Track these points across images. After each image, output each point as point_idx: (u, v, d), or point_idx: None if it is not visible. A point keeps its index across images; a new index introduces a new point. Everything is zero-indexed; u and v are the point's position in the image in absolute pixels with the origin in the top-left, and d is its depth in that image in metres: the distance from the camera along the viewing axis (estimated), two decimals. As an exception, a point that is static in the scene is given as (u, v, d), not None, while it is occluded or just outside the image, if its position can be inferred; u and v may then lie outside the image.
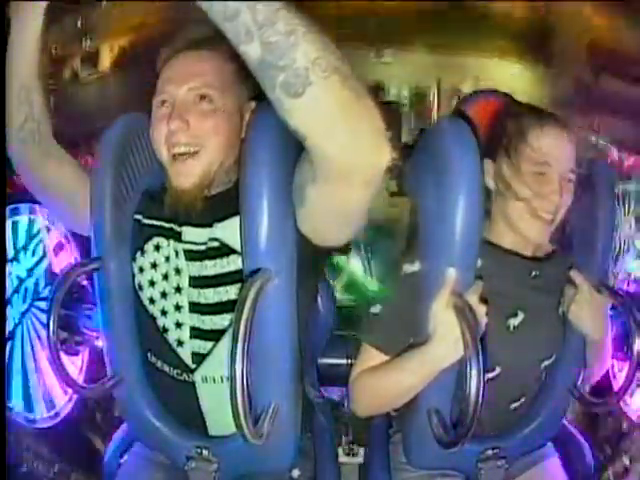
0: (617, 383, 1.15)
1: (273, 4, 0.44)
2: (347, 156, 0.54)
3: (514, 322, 0.79)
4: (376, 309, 0.79)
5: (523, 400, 0.83)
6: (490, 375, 0.78)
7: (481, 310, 0.69)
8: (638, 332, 0.79)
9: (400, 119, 2.15)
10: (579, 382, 0.85)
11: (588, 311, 0.78)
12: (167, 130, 0.71)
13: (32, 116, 0.74)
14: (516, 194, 0.76)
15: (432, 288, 0.70)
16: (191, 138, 0.71)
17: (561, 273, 0.82)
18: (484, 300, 0.70)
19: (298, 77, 0.46)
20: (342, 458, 1.19)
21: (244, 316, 0.60)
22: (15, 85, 0.72)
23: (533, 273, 0.80)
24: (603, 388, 0.88)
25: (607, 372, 1.13)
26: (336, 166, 0.55)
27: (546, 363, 0.82)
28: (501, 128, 0.79)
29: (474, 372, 0.63)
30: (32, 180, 0.80)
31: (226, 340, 0.72)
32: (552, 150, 0.75)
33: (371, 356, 0.79)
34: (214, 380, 0.75)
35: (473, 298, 0.69)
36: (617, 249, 1.18)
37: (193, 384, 0.76)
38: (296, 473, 0.81)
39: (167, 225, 0.77)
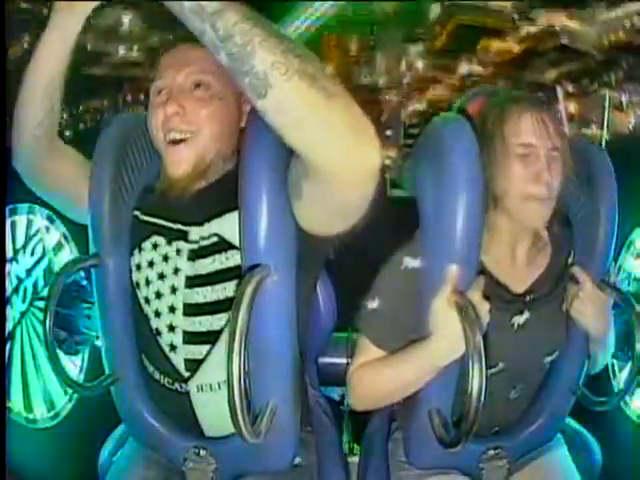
0: (618, 382, 1.15)
1: (230, 19, 0.49)
2: (326, 157, 0.54)
3: (519, 320, 0.79)
4: (374, 304, 0.79)
5: (522, 388, 0.82)
6: (492, 370, 0.77)
7: (484, 307, 0.68)
8: (639, 331, 0.79)
9: (400, 117, 2.15)
10: (581, 379, 0.84)
11: (591, 308, 0.77)
12: (164, 116, 0.71)
13: (52, 113, 0.73)
14: (506, 180, 0.75)
15: (433, 287, 0.70)
16: (187, 124, 0.70)
17: (561, 269, 0.82)
18: (487, 297, 0.69)
19: (259, 80, 0.50)
20: (342, 457, 1.18)
21: (242, 312, 0.59)
22: (43, 80, 0.71)
23: (527, 299, 0.80)
24: (604, 387, 0.87)
25: (608, 372, 1.13)
26: (319, 167, 0.55)
27: (549, 358, 0.82)
28: (482, 118, 0.78)
29: (476, 371, 0.62)
30: (36, 175, 0.78)
31: (222, 343, 0.72)
32: (533, 130, 0.75)
33: (369, 350, 0.78)
34: (211, 387, 0.74)
35: (475, 295, 0.68)
36: (618, 247, 1.17)
37: (187, 394, 0.75)
38: (297, 460, 0.80)
39: (168, 224, 0.76)
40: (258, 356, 0.67)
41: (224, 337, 0.71)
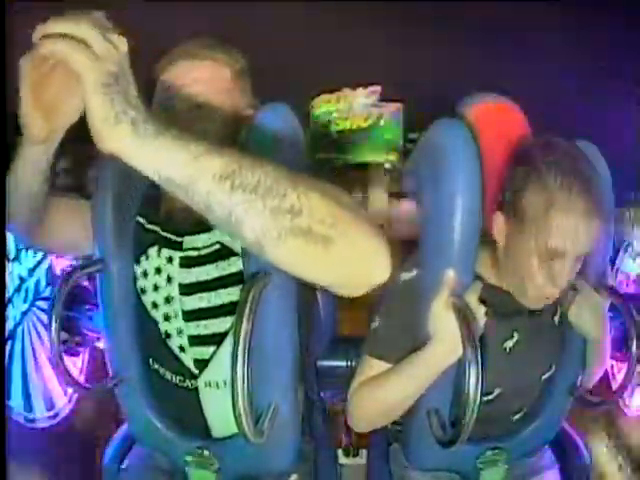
0: (616, 383, 1.15)
1: (202, 189, 0.42)
2: (331, 286, 0.52)
3: (510, 344, 0.79)
4: (375, 324, 0.79)
5: (525, 410, 0.83)
6: (490, 397, 0.78)
7: (480, 310, 0.69)
8: (636, 333, 0.79)
9: (400, 117, 2.16)
10: (578, 384, 0.85)
11: (588, 312, 0.78)
12: None
13: (44, 201, 0.69)
14: (522, 260, 0.72)
15: (431, 290, 0.70)
16: None
17: None
18: (483, 300, 0.70)
19: (253, 247, 0.46)
20: (343, 459, 1.19)
21: (245, 318, 0.60)
22: (27, 194, 0.66)
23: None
24: (602, 388, 0.88)
25: (606, 372, 1.14)
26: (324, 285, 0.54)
27: (546, 376, 0.82)
28: (521, 186, 0.70)
29: (472, 371, 0.63)
30: (36, 238, 0.77)
31: (228, 344, 0.72)
32: (573, 234, 0.67)
33: (372, 367, 0.78)
34: (217, 385, 0.75)
35: (472, 298, 0.69)
36: (616, 249, 1.17)
37: (196, 390, 0.76)
38: (294, 477, 0.81)
39: (163, 234, 0.77)
40: (260, 359, 0.68)
41: (229, 339, 0.72)
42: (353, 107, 2.36)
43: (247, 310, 0.60)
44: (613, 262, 1.15)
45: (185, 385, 0.76)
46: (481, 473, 0.83)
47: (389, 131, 2.30)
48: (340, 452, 1.18)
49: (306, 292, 0.76)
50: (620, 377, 1.14)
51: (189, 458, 0.78)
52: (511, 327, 0.79)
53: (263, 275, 0.65)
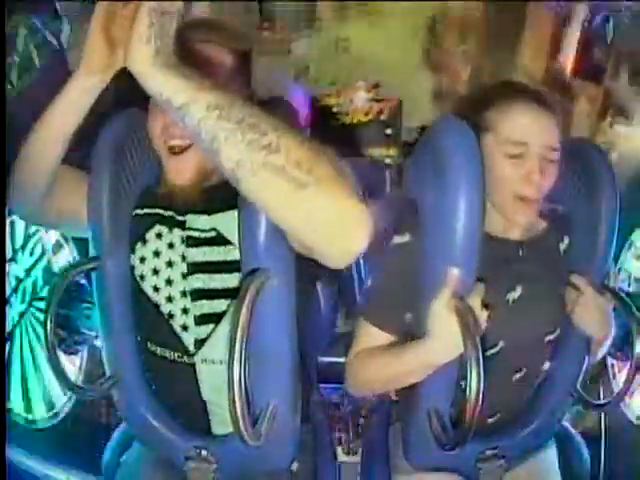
0: (617, 384, 1.15)
1: (195, 115, 0.49)
2: (304, 242, 0.54)
3: (513, 296, 0.78)
4: (368, 282, 0.80)
5: (525, 371, 0.82)
6: (493, 351, 0.77)
7: (483, 315, 0.69)
8: (639, 333, 0.79)
9: (401, 116, 2.15)
10: (579, 380, 0.84)
11: (592, 314, 0.78)
12: (163, 123, 0.71)
13: (61, 157, 0.69)
14: (495, 177, 0.75)
15: (432, 288, 0.70)
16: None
17: (553, 248, 0.82)
18: (485, 305, 0.69)
19: (229, 175, 0.51)
20: (342, 457, 1.19)
21: (242, 317, 0.59)
22: (61, 136, 0.66)
23: (521, 252, 0.80)
24: (603, 389, 0.88)
25: (607, 372, 1.14)
26: (300, 244, 0.55)
27: (550, 337, 0.82)
28: (481, 103, 0.77)
29: (474, 375, 0.63)
30: (40, 214, 0.75)
31: (225, 324, 0.73)
32: (530, 128, 0.73)
33: (369, 333, 0.79)
34: (213, 362, 0.75)
35: (475, 301, 0.68)
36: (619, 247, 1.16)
37: (193, 366, 0.76)
38: (295, 466, 0.81)
39: (167, 213, 0.77)
40: (258, 359, 0.67)
41: (226, 319, 0.73)
42: (354, 101, 2.35)
43: (244, 309, 0.59)
44: (616, 261, 1.15)
45: (183, 361, 0.77)
46: (480, 472, 0.83)
47: (389, 126, 2.29)
48: (339, 450, 1.19)
49: (306, 290, 0.76)
50: (621, 377, 1.14)
51: (187, 458, 0.78)
52: (514, 279, 0.78)
53: (260, 273, 0.64)
